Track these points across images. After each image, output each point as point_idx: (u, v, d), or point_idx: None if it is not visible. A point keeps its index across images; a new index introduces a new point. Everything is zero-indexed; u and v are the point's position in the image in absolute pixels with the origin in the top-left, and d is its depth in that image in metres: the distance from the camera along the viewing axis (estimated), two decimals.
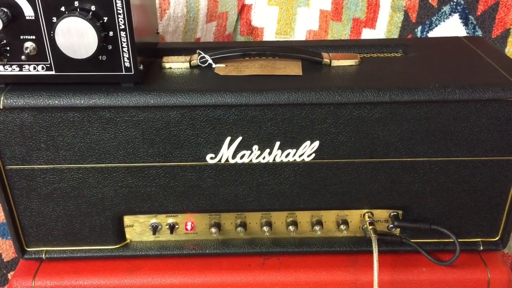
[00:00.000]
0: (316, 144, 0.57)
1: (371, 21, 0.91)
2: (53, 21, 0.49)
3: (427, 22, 0.85)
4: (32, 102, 0.53)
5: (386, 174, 0.59)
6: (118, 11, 0.50)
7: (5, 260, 0.91)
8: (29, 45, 0.51)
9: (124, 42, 0.51)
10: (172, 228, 0.63)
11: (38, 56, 0.51)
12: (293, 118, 0.55)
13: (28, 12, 0.49)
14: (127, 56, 0.52)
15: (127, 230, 0.64)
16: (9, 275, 0.93)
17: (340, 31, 0.94)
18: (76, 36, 0.48)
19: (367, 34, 0.91)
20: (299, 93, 0.53)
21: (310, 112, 0.55)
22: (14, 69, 0.52)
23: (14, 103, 0.53)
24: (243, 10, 0.98)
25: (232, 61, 0.60)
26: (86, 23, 0.48)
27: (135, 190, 0.59)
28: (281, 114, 0.55)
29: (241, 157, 0.57)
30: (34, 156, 0.57)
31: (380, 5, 0.89)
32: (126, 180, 0.59)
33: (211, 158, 0.57)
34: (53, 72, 0.53)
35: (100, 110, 0.54)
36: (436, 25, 0.84)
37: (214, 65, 0.59)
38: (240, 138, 0.56)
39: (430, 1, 0.84)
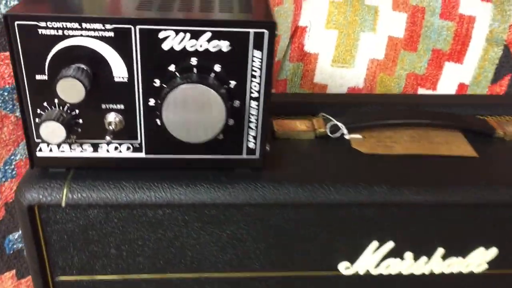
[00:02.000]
0: (493, 251, 0.41)
1: (457, 54, 0.77)
2: (155, 85, 0.33)
3: None
4: (109, 197, 0.36)
5: None
6: (254, 72, 0.33)
7: None
8: (113, 118, 0.34)
9: (253, 115, 0.35)
10: None
11: (123, 133, 0.35)
12: (466, 219, 0.40)
13: (119, 71, 0.32)
14: (254, 133, 0.36)
15: None
16: None
17: (413, 63, 0.79)
18: (195, 112, 0.32)
19: (450, 68, 0.77)
20: (487, 190, 0.38)
21: (491, 212, 0.40)
22: (85, 150, 0.35)
23: (82, 199, 0.36)
24: (296, 33, 0.82)
25: (369, 131, 0.45)
26: (212, 93, 0.31)
27: None
28: (453, 215, 0.40)
29: (387, 267, 0.42)
30: (98, 264, 0.39)
31: (472, 36, 0.75)
32: None
33: (346, 268, 0.42)
34: (142, 155, 0.36)
35: (204, 207, 0.38)
36: None
37: (348, 136, 0.44)
38: (390, 244, 0.41)
39: None
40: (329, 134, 0.43)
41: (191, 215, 0.38)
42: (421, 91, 0.80)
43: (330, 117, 0.44)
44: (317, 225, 0.39)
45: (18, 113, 0.46)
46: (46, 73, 0.32)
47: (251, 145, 0.36)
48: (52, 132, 0.32)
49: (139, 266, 0.40)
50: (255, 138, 0.36)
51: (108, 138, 0.32)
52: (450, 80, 0.78)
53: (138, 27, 0.31)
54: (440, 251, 0.41)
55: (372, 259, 0.41)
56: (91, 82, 0.31)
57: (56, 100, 0.33)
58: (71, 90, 0.30)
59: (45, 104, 0.33)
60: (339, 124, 0.43)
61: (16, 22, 0.30)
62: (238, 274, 0.41)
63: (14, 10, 0.32)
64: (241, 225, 0.39)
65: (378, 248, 0.41)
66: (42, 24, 0.30)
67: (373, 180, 0.38)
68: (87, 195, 0.35)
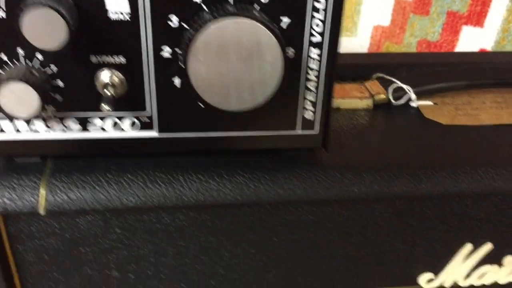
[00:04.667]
0: None
1: (476, 17, 0.67)
2: (171, 24, 0.22)
3: None
4: (108, 197, 0.25)
5: None
6: (316, 3, 0.23)
7: None
8: (108, 77, 0.23)
9: (312, 69, 0.24)
10: None
11: (125, 101, 0.24)
12: None
13: (117, 3, 0.22)
14: (313, 98, 0.25)
15: None
16: None
17: (425, 29, 0.69)
18: (239, 62, 0.21)
19: (469, 33, 0.68)
20: None
21: None
22: (69, 128, 0.24)
23: (70, 203, 0.25)
24: None
25: (439, 96, 0.35)
26: (264, 32, 0.21)
27: None
28: None
29: (481, 276, 0.32)
30: None
31: None
32: None
33: (428, 280, 0.31)
34: (153, 134, 0.25)
35: (246, 207, 0.27)
36: None
37: (416, 103, 0.33)
38: (488, 245, 0.31)
39: None
40: (392, 100, 0.33)
41: (226, 219, 0.27)
42: None
43: (392, 78, 0.33)
44: (393, 226, 0.29)
45: None
46: (4, 7, 0.21)
47: (308, 115, 0.25)
48: (18, 99, 0.21)
49: None
50: (314, 104, 0.25)
51: (105, 107, 0.21)
52: (469, 47, 0.68)
53: None
54: None
55: (462, 268, 0.31)
56: (75, 18, 0.20)
57: (20, 50, 0.22)
58: (45, 27, 0.19)
59: (2, 56, 0.22)
60: (405, 87, 0.33)
61: None
62: None
63: None
64: (294, 230, 0.28)
65: (471, 252, 0.31)
66: None
67: (474, 162, 0.28)
68: (77, 196, 0.24)
